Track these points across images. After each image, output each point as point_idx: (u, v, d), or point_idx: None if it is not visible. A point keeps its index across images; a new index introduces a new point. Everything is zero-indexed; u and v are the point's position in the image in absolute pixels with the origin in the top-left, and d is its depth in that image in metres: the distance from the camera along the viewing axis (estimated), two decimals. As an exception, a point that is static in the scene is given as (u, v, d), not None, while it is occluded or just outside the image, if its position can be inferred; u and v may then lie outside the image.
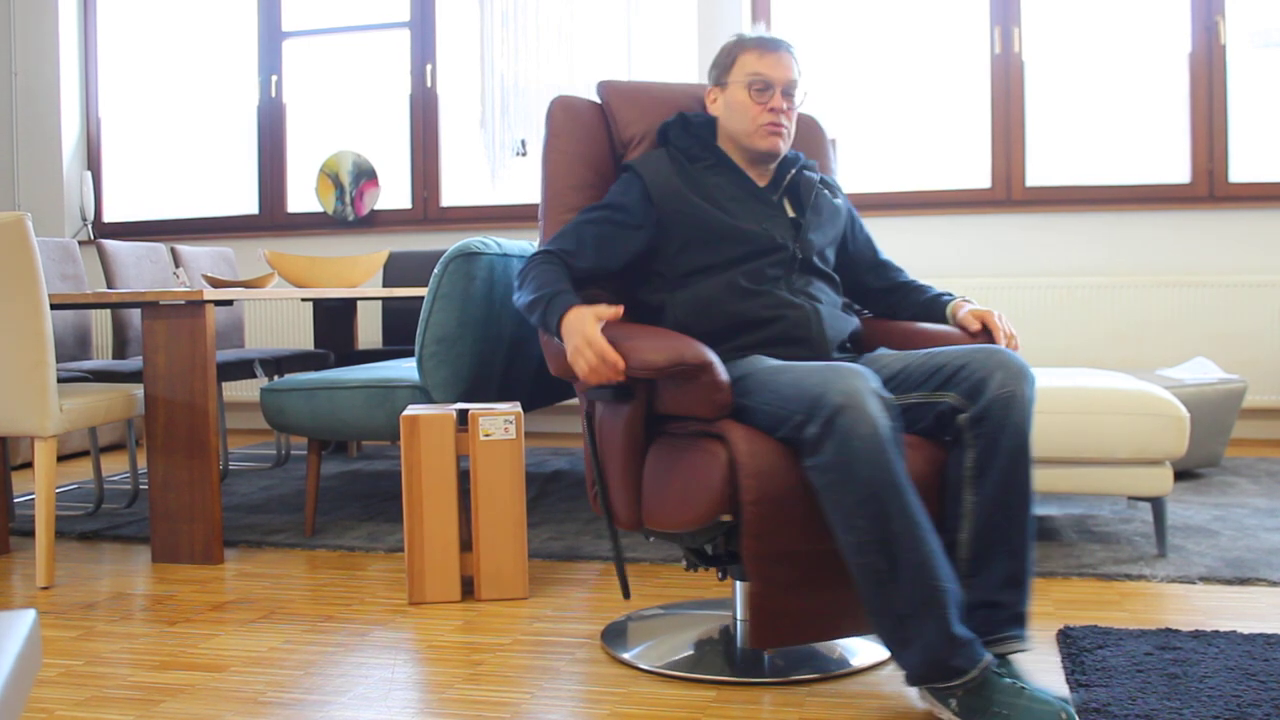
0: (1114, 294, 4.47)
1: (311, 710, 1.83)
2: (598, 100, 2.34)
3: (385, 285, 4.80)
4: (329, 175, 5.33)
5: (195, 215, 5.68)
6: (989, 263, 4.67)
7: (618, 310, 1.85)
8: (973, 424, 1.74)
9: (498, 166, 5.06)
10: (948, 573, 1.64)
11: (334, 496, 3.66)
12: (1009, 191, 4.70)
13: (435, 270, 2.86)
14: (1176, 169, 4.59)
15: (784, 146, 2.12)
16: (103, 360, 4.17)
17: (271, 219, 5.56)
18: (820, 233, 2.13)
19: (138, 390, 2.93)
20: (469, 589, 2.50)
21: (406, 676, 1.98)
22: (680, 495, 1.81)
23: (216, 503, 2.83)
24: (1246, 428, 4.47)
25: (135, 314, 4.16)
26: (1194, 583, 2.44)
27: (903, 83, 4.87)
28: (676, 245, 2.08)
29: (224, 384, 4.76)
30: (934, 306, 2.18)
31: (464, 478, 2.47)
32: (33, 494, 3.72)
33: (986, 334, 2.06)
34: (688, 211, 2.07)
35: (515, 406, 2.50)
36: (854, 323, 2.14)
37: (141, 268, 4.31)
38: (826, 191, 2.20)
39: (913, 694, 1.79)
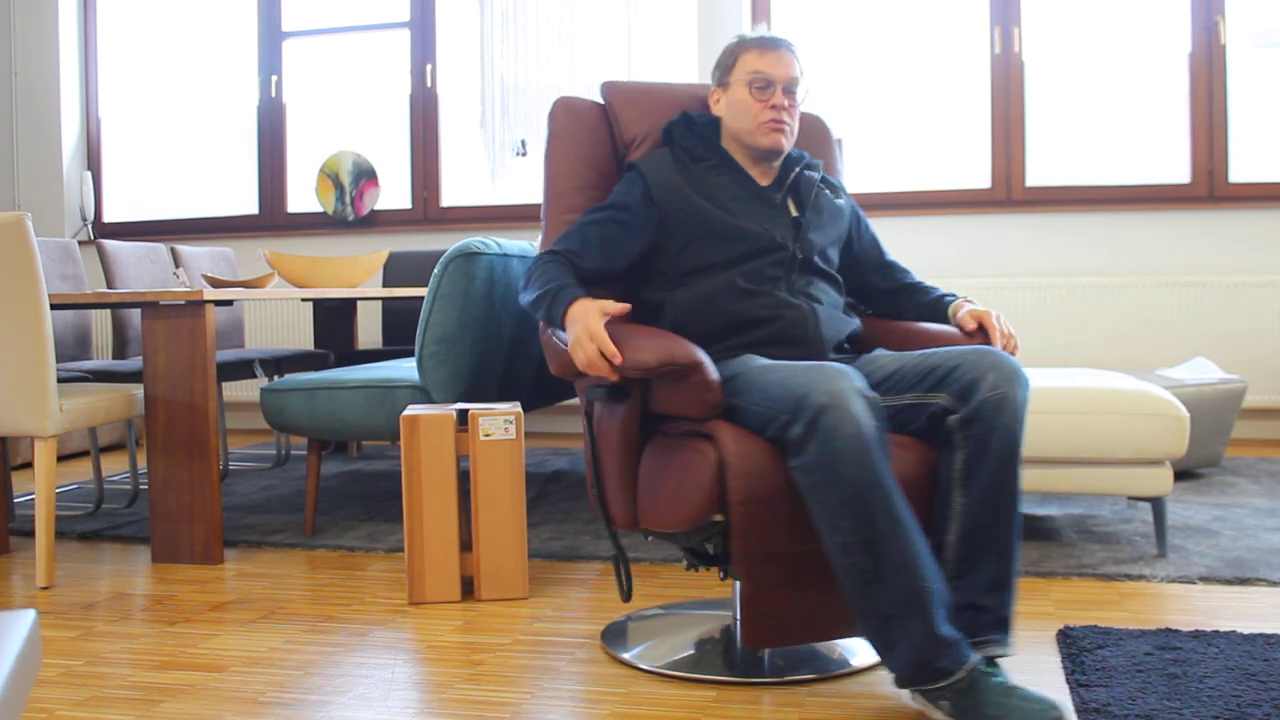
0: (1114, 294, 4.47)
1: (311, 710, 1.83)
2: (600, 101, 2.34)
3: (385, 285, 4.80)
4: (329, 175, 5.33)
5: (195, 215, 5.68)
6: (989, 263, 4.67)
7: (624, 307, 1.84)
8: (963, 425, 1.73)
9: (498, 166, 5.06)
10: (933, 573, 1.64)
11: (334, 496, 3.66)
12: (1009, 191, 4.70)
13: (435, 270, 2.86)
14: (1176, 169, 4.59)
15: (786, 143, 2.12)
16: (103, 360, 4.17)
17: (271, 219, 5.56)
18: (821, 232, 2.13)
19: (138, 390, 2.93)
20: (469, 589, 2.50)
21: (406, 676, 1.98)
22: (672, 495, 1.82)
23: (216, 503, 2.83)
24: (1246, 428, 4.47)
25: (135, 314, 4.16)
26: (1194, 583, 2.44)
27: (903, 83, 4.87)
28: (678, 244, 2.08)
29: (224, 384, 4.76)
30: (937, 307, 2.18)
31: (464, 478, 2.47)
32: (33, 494, 3.72)
33: (983, 334, 2.06)
34: (688, 210, 2.07)
35: (515, 406, 2.50)
36: (854, 324, 2.14)
37: (141, 268, 4.31)
38: (828, 191, 2.20)
39: (909, 695, 1.79)
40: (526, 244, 3.21)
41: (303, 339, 5.31)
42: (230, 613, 2.40)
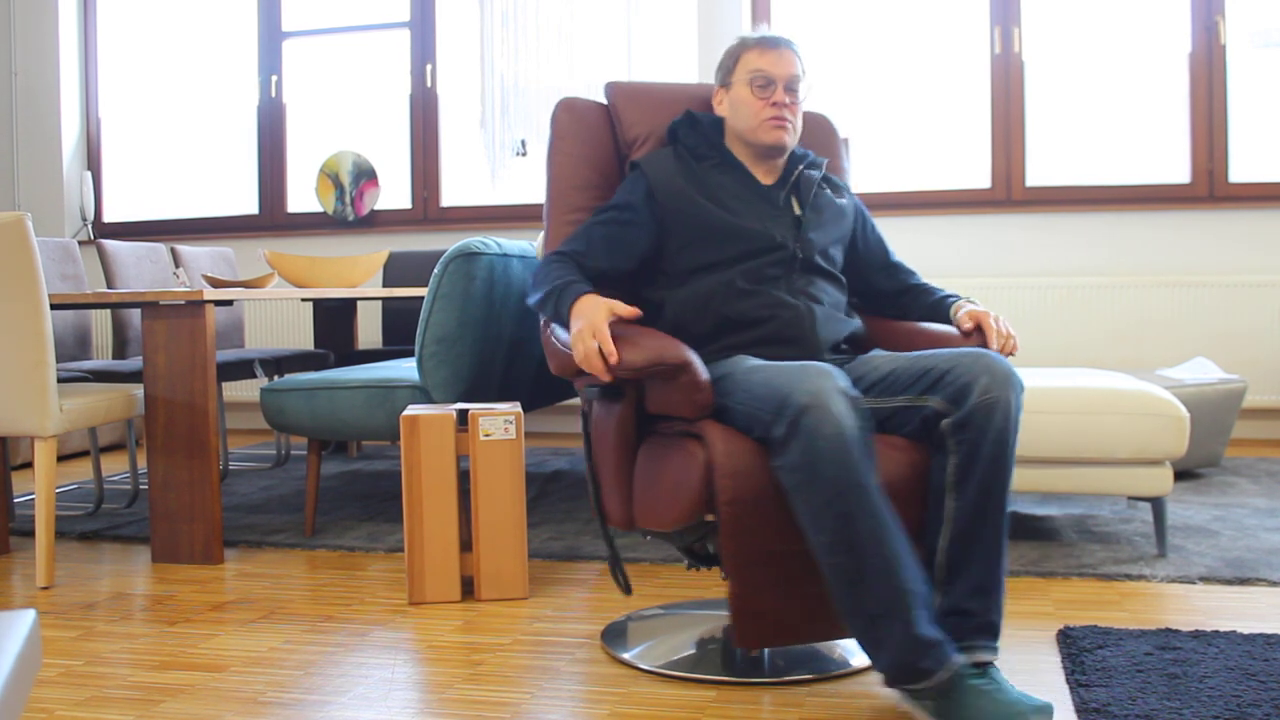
0: (1114, 294, 4.47)
1: (311, 710, 1.83)
2: (603, 101, 2.35)
3: (385, 285, 4.80)
4: (329, 175, 5.33)
5: (195, 215, 5.68)
6: (989, 263, 4.67)
7: (634, 311, 1.84)
8: (956, 430, 1.73)
9: (498, 166, 5.06)
10: (915, 574, 1.63)
11: (334, 496, 3.66)
12: (1009, 191, 4.70)
13: (435, 270, 2.86)
14: (1176, 169, 4.59)
15: (789, 140, 2.12)
16: (103, 360, 4.17)
17: (271, 219, 5.56)
18: (822, 232, 2.13)
19: (138, 390, 2.93)
20: (469, 589, 2.50)
21: (406, 676, 1.98)
22: (664, 494, 1.83)
23: (216, 503, 2.83)
24: (1246, 428, 4.47)
25: (135, 314, 4.16)
26: (1194, 583, 2.44)
27: (903, 83, 4.87)
28: (678, 243, 2.09)
29: (224, 384, 4.76)
30: (939, 308, 2.17)
31: (464, 478, 2.48)
32: (33, 494, 3.72)
33: (980, 334, 2.05)
34: (689, 210, 2.07)
35: (515, 406, 2.50)
36: (853, 324, 2.13)
37: (141, 268, 4.31)
38: (829, 190, 2.20)
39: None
40: (526, 244, 3.21)
41: (303, 339, 5.31)
42: (230, 613, 2.40)
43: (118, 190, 5.84)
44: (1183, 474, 3.66)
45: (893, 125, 4.87)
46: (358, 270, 3.62)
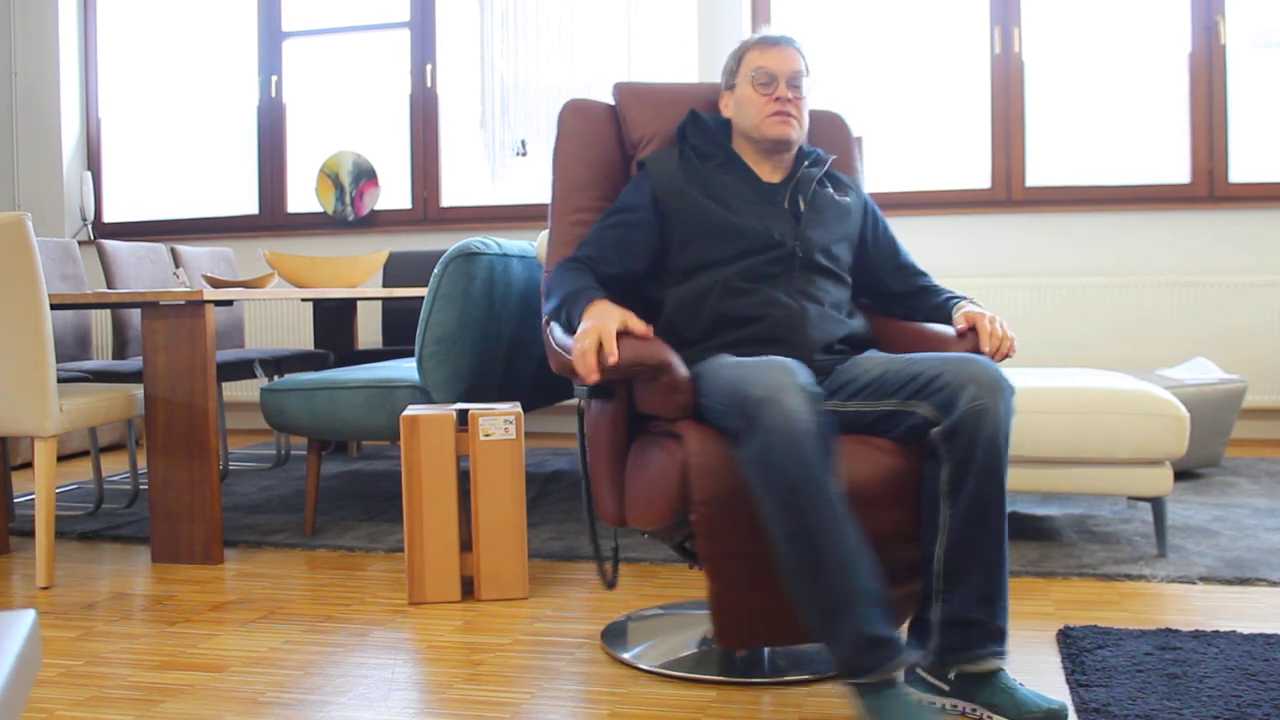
0: (1114, 294, 4.47)
1: (311, 710, 1.83)
2: (608, 102, 2.36)
3: (385, 285, 4.80)
4: (329, 175, 5.33)
5: (195, 215, 5.68)
6: (989, 263, 4.67)
7: (645, 328, 1.84)
8: (946, 438, 1.72)
9: (498, 166, 5.06)
10: (867, 571, 1.62)
11: (334, 496, 3.66)
12: (1009, 191, 4.70)
13: (435, 270, 2.86)
14: (1176, 169, 4.59)
15: (793, 134, 2.12)
16: (103, 360, 4.17)
17: (271, 219, 5.56)
18: (823, 230, 2.12)
19: (138, 390, 2.93)
20: (469, 589, 2.50)
21: (406, 676, 1.98)
22: (647, 493, 1.84)
23: (216, 503, 2.83)
24: (1246, 428, 4.47)
25: (135, 314, 4.16)
26: (1194, 583, 2.44)
27: (903, 83, 4.87)
28: (679, 241, 2.09)
29: (224, 384, 4.76)
30: (943, 309, 2.16)
31: (464, 478, 2.48)
32: (33, 494, 3.72)
33: (975, 335, 2.03)
34: (690, 208, 2.08)
35: (515, 406, 2.50)
36: (852, 325, 2.10)
37: (141, 268, 4.31)
38: (830, 188, 2.19)
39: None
40: (526, 244, 3.21)
41: (303, 339, 5.31)
42: (230, 613, 2.40)
43: (118, 190, 5.84)
44: (1183, 474, 3.66)
45: (893, 125, 4.87)
46: (358, 270, 3.62)
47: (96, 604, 2.49)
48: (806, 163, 2.17)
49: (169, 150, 5.77)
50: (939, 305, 2.18)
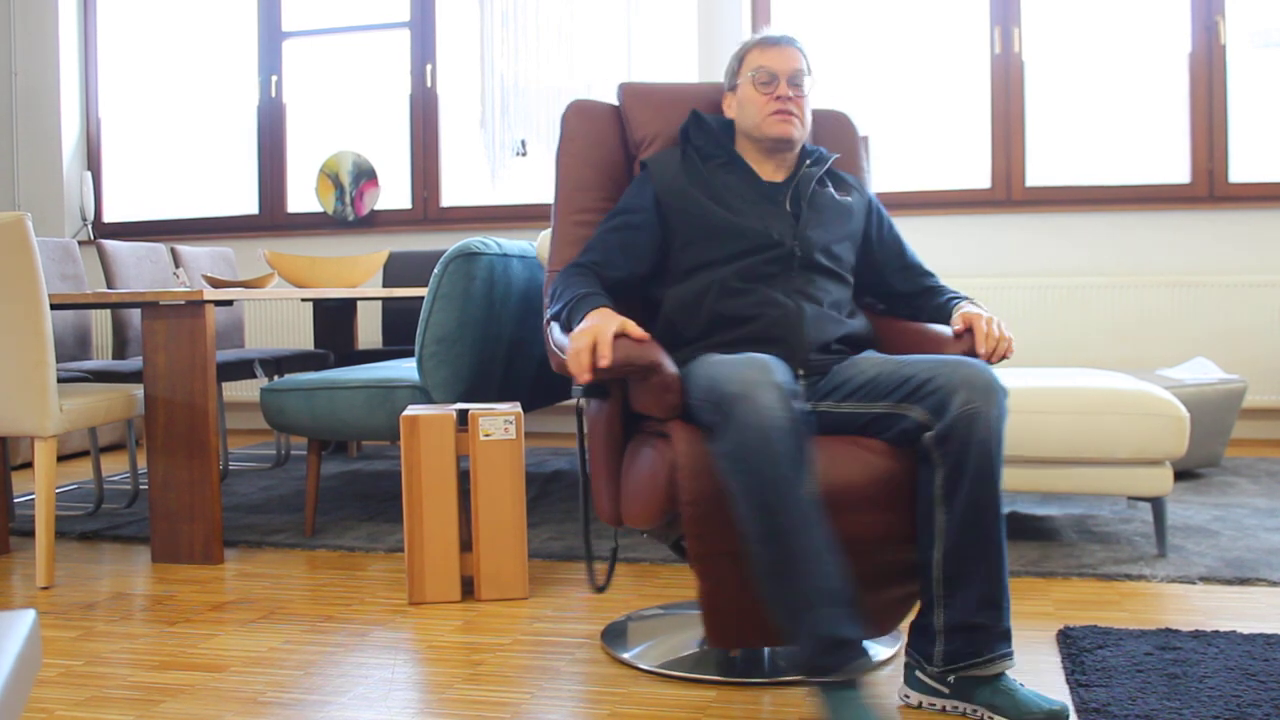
0: (1114, 294, 4.47)
1: (311, 710, 1.83)
2: (611, 102, 2.37)
3: (385, 285, 4.80)
4: (329, 175, 5.33)
5: (195, 215, 5.68)
6: (989, 263, 4.67)
7: (643, 336, 1.84)
8: (939, 443, 1.71)
9: (498, 166, 5.05)
10: (833, 571, 1.62)
11: (334, 496, 3.66)
12: (1009, 191, 4.70)
13: (435, 270, 2.86)
14: (1176, 169, 4.59)
15: (795, 133, 2.12)
16: (103, 360, 4.17)
17: (271, 219, 5.56)
18: (822, 229, 2.11)
19: (138, 390, 2.93)
20: (469, 589, 2.50)
21: (406, 676, 1.98)
22: (640, 493, 1.84)
23: (216, 503, 2.83)
24: (1246, 428, 4.47)
25: (135, 314, 4.16)
26: (1194, 583, 2.44)
27: (903, 83, 4.87)
28: (680, 241, 2.09)
29: (224, 384, 4.75)
30: (944, 310, 2.16)
31: (464, 478, 2.48)
32: (33, 494, 3.72)
33: (971, 336, 2.02)
34: (690, 208, 2.08)
35: (515, 406, 2.50)
36: (851, 325, 2.09)
37: (141, 268, 4.31)
38: (831, 188, 2.19)
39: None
40: (526, 244, 3.21)
41: (303, 339, 5.31)
42: (230, 613, 2.40)
43: (118, 190, 5.84)
44: (1183, 474, 3.66)
45: (893, 125, 4.87)
46: (358, 270, 3.62)
47: (96, 604, 2.49)
48: (808, 162, 2.17)
49: (169, 150, 5.77)
50: (940, 306, 2.17)
